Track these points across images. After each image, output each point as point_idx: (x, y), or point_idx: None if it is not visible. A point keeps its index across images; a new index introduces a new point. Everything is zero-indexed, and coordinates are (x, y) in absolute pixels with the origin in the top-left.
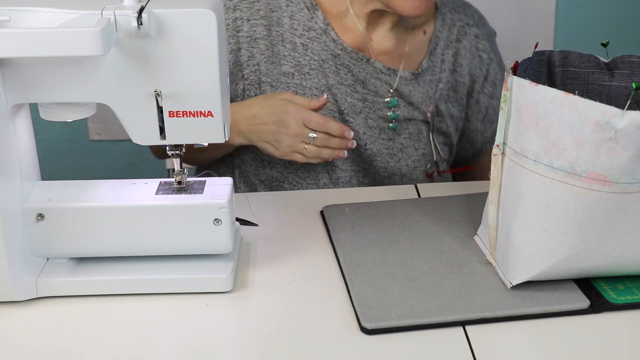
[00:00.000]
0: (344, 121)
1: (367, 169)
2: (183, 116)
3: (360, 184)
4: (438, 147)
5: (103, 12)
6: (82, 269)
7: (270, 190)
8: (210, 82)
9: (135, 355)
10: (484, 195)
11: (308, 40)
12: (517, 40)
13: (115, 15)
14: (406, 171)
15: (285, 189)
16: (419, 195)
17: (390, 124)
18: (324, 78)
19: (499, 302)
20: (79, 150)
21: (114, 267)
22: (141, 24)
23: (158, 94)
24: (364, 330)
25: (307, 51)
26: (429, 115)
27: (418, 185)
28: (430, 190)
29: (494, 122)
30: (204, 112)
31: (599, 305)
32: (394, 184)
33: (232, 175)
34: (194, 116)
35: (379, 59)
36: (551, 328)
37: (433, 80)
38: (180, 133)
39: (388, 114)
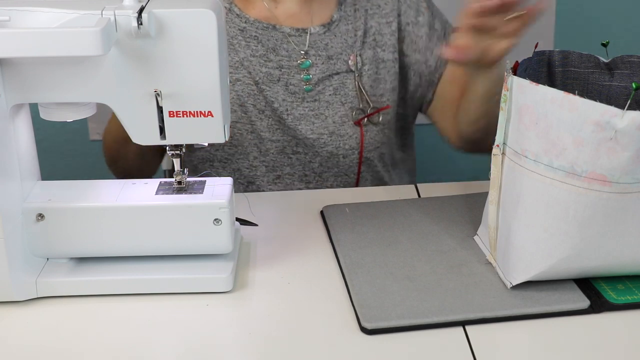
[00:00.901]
0: (261, 91)
1: (295, 136)
2: (183, 116)
3: (294, 152)
4: (365, 93)
5: (103, 12)
6: (82, 269)
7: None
8: (210, 82)
9: (135, 355)
10: (484, 195)
11: None
12: None
13: (115, 15)
14: (334, 128)
15: (217, 168)
16: (419, 195)
17: (305, 87)
18: (235, 54)
19: (499, 302)
20: (79, 150)
21: (114, 267)
22: (141, 24)
23: (158, 94)
24: (364, 330)
25: None
26: (350, 63)
27: (418, 185)
28: (430, 190)
29: (433, 49)
30: (204, 112)
31: (599, 305)
32: (324, 144)
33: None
34: (194, 116)
35: (287, 23)
36: (551, 328)
37: (350, 30)
38: (180, 133)
39: (302, 76)
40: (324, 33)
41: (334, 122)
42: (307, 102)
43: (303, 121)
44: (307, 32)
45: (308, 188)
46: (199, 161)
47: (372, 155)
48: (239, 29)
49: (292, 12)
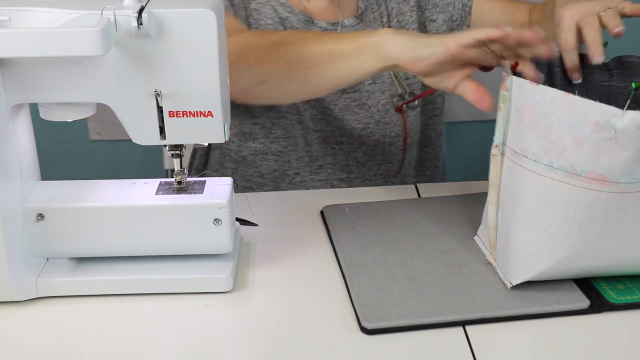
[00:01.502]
0: None
1: (341, 127)
2: (183, 116)
3: (338, 142)
4: (400, 79)
5: (103, 12)
6: (82, 269)
7: (254, 166)
8: (210, 82)
9: (135, 355)
10: (484, 195)
11: (259, 4)
12: None
13: (115, 15)
14: (379, 117)
15: (269, 161)
16: (419, 195)
17: None
18: None
19: (499, 302)
20: (79, 150)
21: (114, 267)
22: (141, 24)
23: (158, 94)
24: (364, 330)
25: (260, 16)
26: None
27: (418, 185)
28: (430, 190)
29: (454, 2)
30: (204, 112)
31: (599, 305)
32: (372, 134)
33: (207, 156)
34: (194, 116)
35: (321, 17)
36: (551, 328)
37: (377, 17)
38: (180, 133)
39: None
40: (358, 24)
41: (378, 111)
42: (348, 93)
43: (348, 111)
44: (340, 26)
45: (350, 178)
46: (249, 151)
47: (413, 140)
48: (281, 17)
49: (323, 7)
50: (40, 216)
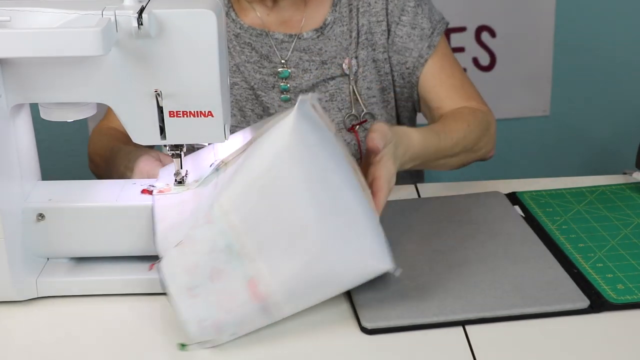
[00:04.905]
0: (257, 97)
1: None
2: (183, 116)
3: None
4: (360, 99)
5: (103, 12)
6: (82, 269)
7: None
8: (211, 82)
9: (136, 355)
10: (484, 195)
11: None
12: (517, 40)
13: (115, 15)
14: None
15: None
16: (418, 195)
17: (282, 96)
18: (232, 59)
19: (499, 302)
20: (79, 150)
21: (114, 267)
22: (141, 24)
23: (158, 94)
24: (364, 330)
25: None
26: (345, 67)
27: (418, 185)
28: (430, 190)
29: (412, 50)
30: (204, 112)
31: (598, 305)
32: None
33: None
34: (194, 116)
35: (281, 30)
36: (551, 328)
37: (345, 32)
38: (181, 133)
39: (280, 84)
40: (317, 37)
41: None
42: None
43: None
44: (299, 38)
45: None
46: None
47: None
48: (234, 34)
49: (285, 18)
50: (41, 216)
